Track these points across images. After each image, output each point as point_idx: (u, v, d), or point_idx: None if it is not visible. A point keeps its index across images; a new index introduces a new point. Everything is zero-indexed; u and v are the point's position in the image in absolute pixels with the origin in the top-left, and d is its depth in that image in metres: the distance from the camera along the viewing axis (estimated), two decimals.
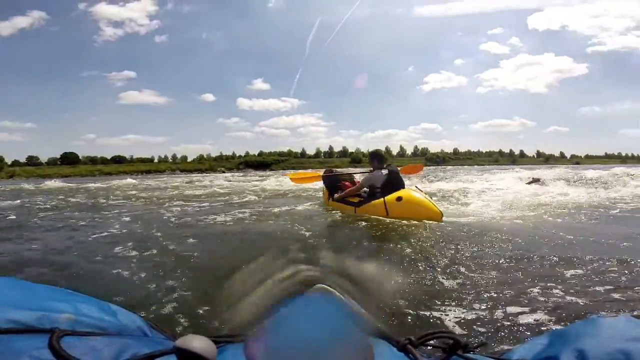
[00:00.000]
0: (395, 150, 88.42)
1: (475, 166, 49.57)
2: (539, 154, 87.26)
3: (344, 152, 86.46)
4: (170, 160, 74.05)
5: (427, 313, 1.50)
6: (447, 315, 1.49)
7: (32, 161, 65.25)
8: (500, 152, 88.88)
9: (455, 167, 40.50)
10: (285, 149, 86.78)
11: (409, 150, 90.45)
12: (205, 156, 77.76)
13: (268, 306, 0.26)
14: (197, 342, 0.26)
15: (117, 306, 0.48)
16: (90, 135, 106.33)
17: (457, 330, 1.38)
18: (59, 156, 66.41)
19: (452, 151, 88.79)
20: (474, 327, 1.40)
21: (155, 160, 73.42)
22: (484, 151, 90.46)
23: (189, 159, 75.76)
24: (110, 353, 0.35)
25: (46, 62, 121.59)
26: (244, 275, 2.03)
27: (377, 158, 4.18)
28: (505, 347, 1.21)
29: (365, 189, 4.18)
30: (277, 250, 2.60)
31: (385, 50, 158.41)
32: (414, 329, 1.38)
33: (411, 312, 1.51)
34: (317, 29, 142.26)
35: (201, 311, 1.53)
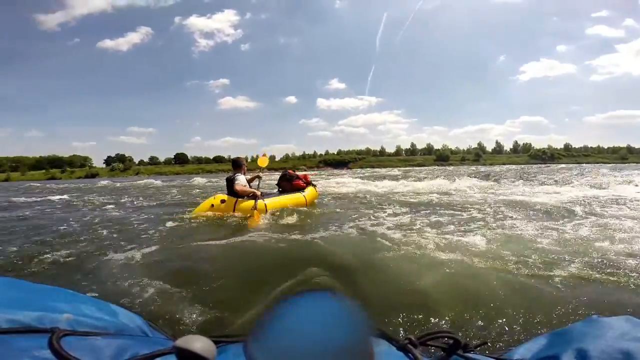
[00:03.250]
0: (490, 146, 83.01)
1: (596, 164, 40.10)
2: None
3: (428, 150, 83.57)
4: None
5: (427, 313, 1.50)
6: (448, 314, 1.49)
7: (153, 161, 79.69)
8: (629, 148, 75.72)
9: (569, 166, 33.90)
10: (364, 147, 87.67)
11: (508, 146, 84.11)
12: (290, 155, 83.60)
13: (268, 306, 0.26)
14: (197, 342, 0.26)
15: (117, 306, 0.48)
16: (196, 137, 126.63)
17: (457, 329, 1.38)
18: (172, 156, 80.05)
19: (562, 147, 79.47)
20: (474, 327, 1.40)
21: (248, 160, 78.56)
22: (605, 147, 79.18)
23: (277, 159, 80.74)
24: (110, 353, 0.35)
25: (158, 74, 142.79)
26: (245, 275, 2.03)
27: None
28: (506, 347, 1.21)
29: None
30: (277, 250, 2.60)
31: (466, 41, 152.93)
32: (414, 329, 1.38)
33: (411, 311, 1.51)
34: (385, 24, 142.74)
35: (201, 311, 1.53)
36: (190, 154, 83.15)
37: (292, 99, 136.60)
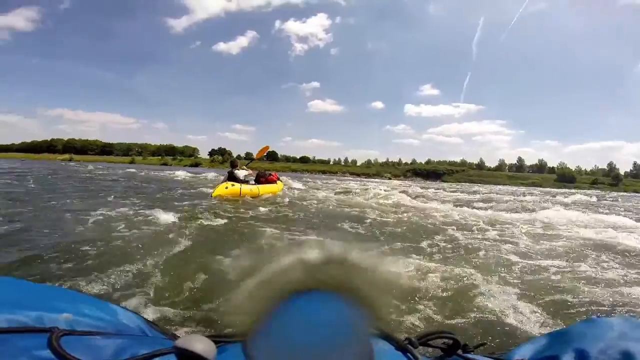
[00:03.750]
0: (625, 168, 64.24)
1: None
2: None
3: (540, 167, 71.60)
4: (342, 163, 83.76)
5: (427, 313, 1.50)
6: (448, 314, 1.49)
7: (248, 156, 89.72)
8: None
9: None
10: (456, 159, 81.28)
11: None
12: (372, 161, 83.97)
13: (268, 306, 0.26)
14: (197, 342, 0.26)
15: (116, 306, 0.48)
16: (287, 137, 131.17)
17: (457, 330, 1.38)
18: (265, 153, 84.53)
19: None
20: (474, 327, 1.40)
21: (331, 163, 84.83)
22: None
23: (358, 163, 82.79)
24: (110, 352, 0.35)
25: (261, 76, 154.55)
26: (245, 274, 2.03)
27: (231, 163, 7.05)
28: (505, 348, 1.21)
29: None
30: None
31: (589, 45, 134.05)
32: (414, 329, 1.38)
33: (411, 311, 1.51)
34: (482, 28, 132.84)
35: (201, 311, 1.53)
36: (280, 153, 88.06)
37: (378, 104, 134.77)
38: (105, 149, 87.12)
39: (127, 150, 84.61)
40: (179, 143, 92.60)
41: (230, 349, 0.36)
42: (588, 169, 70.60)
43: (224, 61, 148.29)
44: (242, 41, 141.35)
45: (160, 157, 73.90)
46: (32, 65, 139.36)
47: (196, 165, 65.85)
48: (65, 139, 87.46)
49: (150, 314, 1.51)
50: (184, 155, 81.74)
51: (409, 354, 0.38)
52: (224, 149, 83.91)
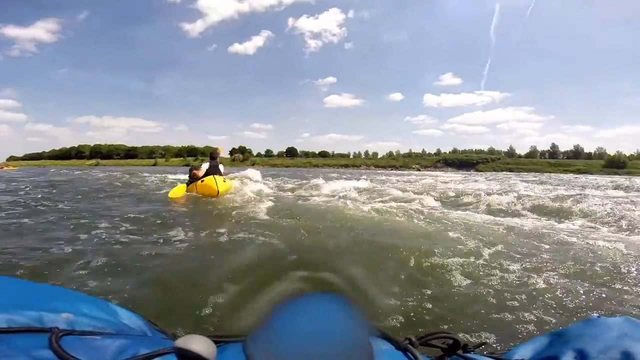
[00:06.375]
0: None
1: None
2: None
3: (576, 152, 66.25)
4: (364, 157, 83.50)
5: (427, 313, 1.50)
6: (448, 314, 1.49)
7: (268, 154, 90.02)
8: None
9: None
10: (482, 147, 77.25)
11: None
12: (394, 153, 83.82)
13: (268, 306, 0.26)
14: (197, 342, 0.26)
15: (117, 305, 0.48)
16: (305, 134, 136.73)
17: (457, 330, 1.38)
18: (284, 150, 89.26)
19: None
20: (474, 327, 1.40)
21: (351, 156, 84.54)
22: None
23: (379, 156, 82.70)
24: (110, 352, 0.35)
25: (278, 74, 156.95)
26: (245, 275, 2.03)
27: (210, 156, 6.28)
28: (505, 347, 1.21)
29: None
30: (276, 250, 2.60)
31: (614, 25, 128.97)
32: (414, 329, 1.38)
33: (411, 311, 1.51)
34: (500, 14, 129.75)
35: (202, 311, 1.53)
36: (299, 149, 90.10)
37: (397, 95, 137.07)
38: (130, 153, 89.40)
39: (151, 153, 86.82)
40: (200, 144, 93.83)
41: (231, 349, 0.36)
42: (627, 154, 62.99)
43: (241, 61, 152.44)
44: (258, 41, 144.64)
45: (182, 158, 74.23)
46: (59, 76, 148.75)
47: None
48: (92, 144, 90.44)
49: (151, 314, 1.52)
50: (205, 155, 78.08)
51: (408, 354, 0.38)
52: (244, 147, 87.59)
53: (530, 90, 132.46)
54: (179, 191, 5.80)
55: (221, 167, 6.03)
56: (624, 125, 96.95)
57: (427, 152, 79.43)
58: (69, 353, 0.31)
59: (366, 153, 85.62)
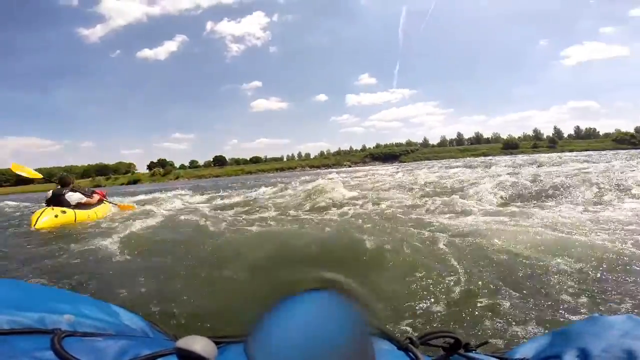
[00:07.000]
0: (545, 133, 74.69)
1: None
2: None
3: (477, 139, 79.16)
4: (297, 159, 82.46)
5: (428, 311, 1.50)
6: (449, 314, 1.49)
7: (193, 164, 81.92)
8: None
9: None
10: (400, 141, 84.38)
11: (567, 132, 75.93)
12: (325, 152, 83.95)
13: (268, 306, 0.26)
14: (198, 343, 0.27)
15: (118, 307, 0.48)
16: (233, 140, 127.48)
17: (458, 329, 1.38)
18: (212, 159, 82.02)
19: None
20: (475, 326, 1.39)
21: (285, 159, 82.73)
22: None
23: (311, 156, 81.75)
24: (112, 353, 0.35)
25: (196, 80, 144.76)
26: (245, 275, 2.04)
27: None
28: (507, 346, 1.21)
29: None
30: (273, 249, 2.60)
31: (498, 27, 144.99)
32: (415, 329, 1.38)
33: (412, 310, 1.51)
34: (406, 16, 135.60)
35: (202, 311, 1.54)
36: (228, 157, 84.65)
37: (322, 97, 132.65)
38: (22, 179, 72.11)
39: (50, 176, 72.41)
40: (111, 160, 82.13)
41: (231, 349, 0.36)
42: (515, 137, 77.71)
43: (152, 68, 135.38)
44: (171, 46, 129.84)
45: (91, 179, 61.71)
46: None
47: (135, 182, 58.20)
48: None
49: (152, 314, 1.52)
50: (118, 173, 72.11)
51: (410, 353, 0.38)
52: (164, 160, 77.68)
53: (433, 86, 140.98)
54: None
55: (75, 195, 4.87)
56: (509, 113, 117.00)
57: (354, 149, 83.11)
58: (70, 354, 0.31)
59: (299, 155, 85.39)
